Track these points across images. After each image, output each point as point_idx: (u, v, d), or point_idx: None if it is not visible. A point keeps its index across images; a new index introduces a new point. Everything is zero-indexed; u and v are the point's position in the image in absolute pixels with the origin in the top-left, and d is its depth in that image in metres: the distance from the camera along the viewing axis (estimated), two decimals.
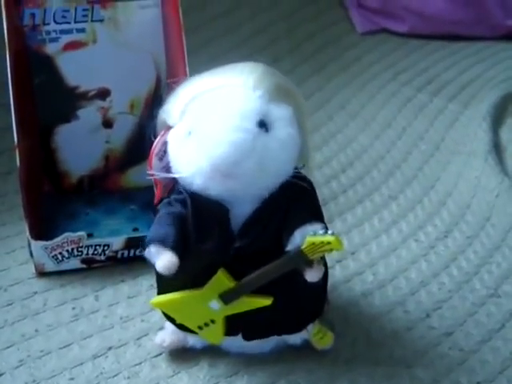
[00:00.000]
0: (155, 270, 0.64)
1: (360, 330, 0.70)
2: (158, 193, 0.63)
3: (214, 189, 0.57)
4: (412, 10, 1.23)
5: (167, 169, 0.61)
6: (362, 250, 0.81)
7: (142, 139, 0.85)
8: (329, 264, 0.67)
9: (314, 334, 0.66)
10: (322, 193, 0.85)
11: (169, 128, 0.61)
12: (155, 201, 0.63)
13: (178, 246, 0.59)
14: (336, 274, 0.77)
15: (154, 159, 0.61)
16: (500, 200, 0.86)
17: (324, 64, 1.16)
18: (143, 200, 0.85)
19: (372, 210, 0.88)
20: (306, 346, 0.67)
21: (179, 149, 0.59)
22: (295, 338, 0.66)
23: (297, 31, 1.19)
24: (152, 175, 0.61)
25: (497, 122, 0.99)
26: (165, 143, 0.61)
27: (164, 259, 0.58)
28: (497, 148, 0.94)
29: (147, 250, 0.59)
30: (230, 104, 0.57)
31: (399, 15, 1.24)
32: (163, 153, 0.61)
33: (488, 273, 0.78)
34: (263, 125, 0.57)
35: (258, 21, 1.19)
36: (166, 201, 0.61)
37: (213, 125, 0.56)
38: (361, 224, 0.85)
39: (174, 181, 0.61)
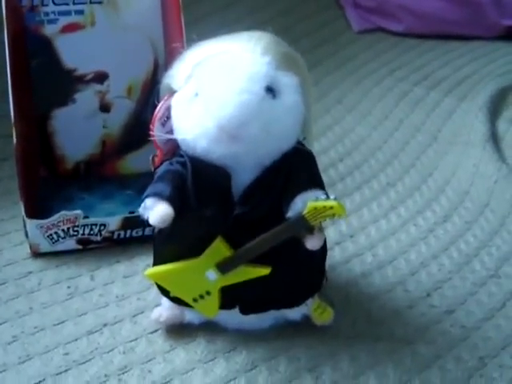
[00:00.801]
0: (153, 239, 0.63)
1: (360, 308, 0.69)
2: (157, 162, 0.62)
3: (218, 151, 0.57)
4: (408, 10, 1.24)
5: (170, 134, 0.60)
6: (361, 234, 0.80)
7: (139, 124, 0.86)
8: (327, 246, 0.66)
9: (313, 309, 0.65)
10: None
11: (173, 93, 0.60)
12: (155, 166, 0.62)
13: (175, 199, 0.57)
14: (335, 255, 0.76)
15: (156, 124, 0.60)
16: (498, 186, 0.86)
17: (320, 60, 1.16)
18: (140, 185, 0.82)
19: (370, 196, 0.88)
20: (306, 322, 0.66)
21: (184, 111, 0.58)
22: (295, 314, 0.65)
23: (293, 29, 1.20)
24: (154, 138, 0.61)
25: (493, 113, 1.00)
26: (168, 108, 0.60)
27: (158, 210, 0.57)
28: (494, 137, 0.94)
29: (142, 205, 0.58)
30: (237, 67, 0.57)
31: (395, 14, 1.25)
32: (166, 118, 0.60)
33: (488, 255, 0.77)
34: (270, 90, 0.57)
35: (254, 18, 1.19)
36: (166, 162, 0.60)
37: (220, 86, 0.56)
38: (359, 209, 0.85)
39: (176, 147, 0.60)
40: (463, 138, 0.97)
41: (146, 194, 0.58)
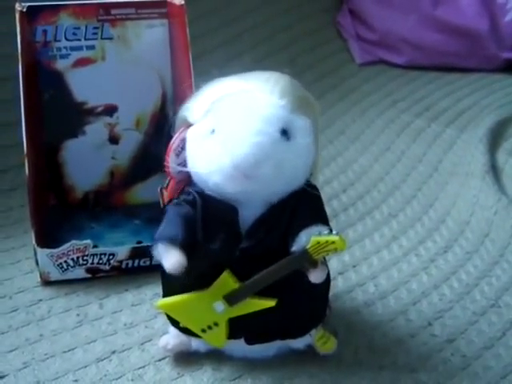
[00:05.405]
0: (161, 271, 0.65)
1: (363, 337, 0.71)
2: (169, 190, 0.64)
3: (230, 188, 0.59)
4: (409, 43, 1.28)
5: (183, 165, 0.62)
6: (363, 263, 0.82)
7: (147, 156, 0.88)
8: (331, 276, 0.68)
9: (317, 338, 0.66)
10: None
11: (188, 125, 0.63)
12: (165, 201, 0.64)
13: (186, 246, 0.60)
14: (338, 284, 0.78)
15: (171, 154, 0.63)
16: (498, 217, 0.88)
17: (324, 92, 1.19)
18: (147, 215, 0.86)
19: (372, 226, 0.90)
20: (310, 351, 0.67)
21: (200, 145, 0.61)
22: (298, 343, 0.67)
23: (297, 61, 1.23)
24: (168, 168, 0.63)
25: (493, 145, 1.02)
26: (183, 140, 0.62)
27: (172, 258, 0.59)
28: (494, 169, 0.97)
29: (155, 247, 0.60)
30: (255, 108, 0.59)
31: (397, 47, 1.29)
32: (181, 149, 0.63)
33: (488, 285, 0.79)
34: (285, 133, 0.59)
35: (259, 51, 1.23)
36: (175, 201, 0.62)
37: (237, 126, 0.58)
38: (362, 239, 0.87)
39: (189, 177, 0.62)
40: (464, 168, 0.99)
41: (157, 235, 0.60)
